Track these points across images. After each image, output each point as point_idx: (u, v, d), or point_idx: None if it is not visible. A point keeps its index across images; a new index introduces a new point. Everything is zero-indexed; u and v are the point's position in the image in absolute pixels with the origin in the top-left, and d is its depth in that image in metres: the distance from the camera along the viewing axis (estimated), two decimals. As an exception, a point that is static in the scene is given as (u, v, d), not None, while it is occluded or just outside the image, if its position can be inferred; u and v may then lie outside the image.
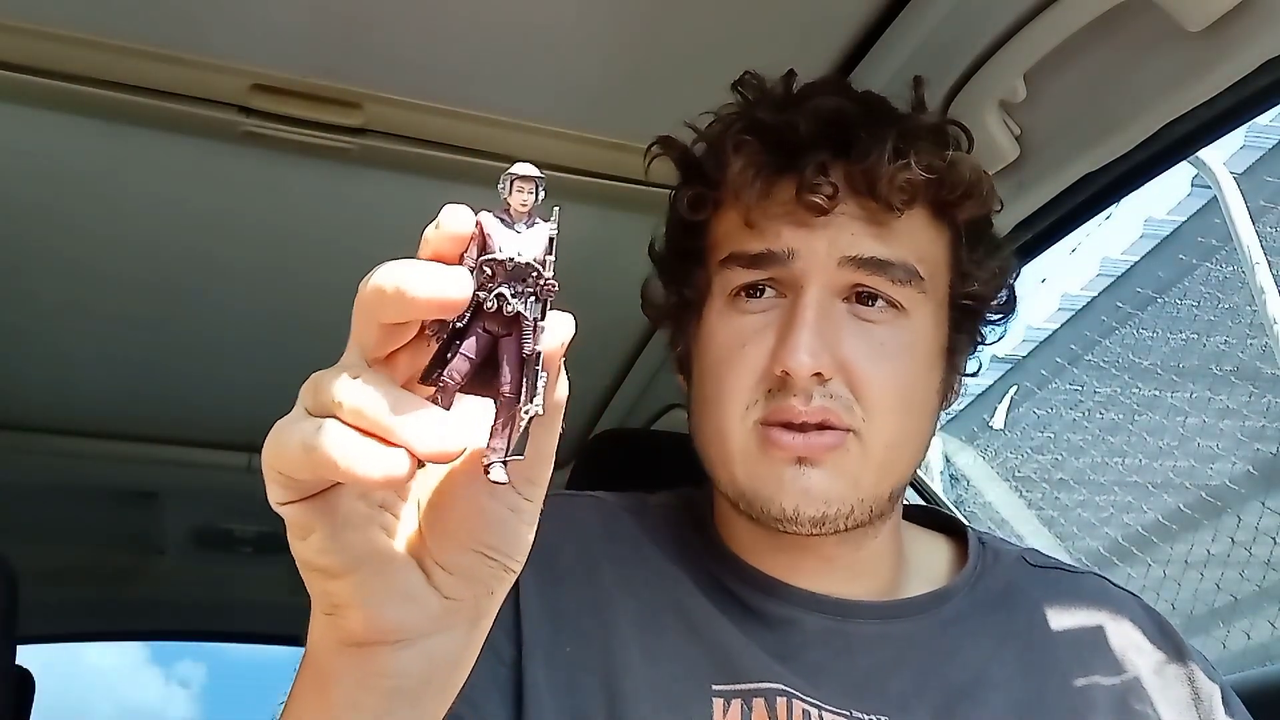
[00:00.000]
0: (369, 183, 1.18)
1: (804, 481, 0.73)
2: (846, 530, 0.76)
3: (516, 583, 0.77)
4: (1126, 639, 0.81)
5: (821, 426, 0.73)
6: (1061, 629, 0.80)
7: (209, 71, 1.04)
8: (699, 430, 0.80)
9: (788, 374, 0.72)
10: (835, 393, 0.74)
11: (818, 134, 0.77)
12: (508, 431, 0.40)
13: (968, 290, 0.81)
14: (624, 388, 1.67)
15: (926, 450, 0.82)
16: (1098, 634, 0.80)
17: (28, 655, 2.08)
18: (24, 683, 2.17)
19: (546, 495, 0.88)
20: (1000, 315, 0.85)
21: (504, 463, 0.40)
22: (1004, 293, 0.85)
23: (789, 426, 0.73)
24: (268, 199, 1.25)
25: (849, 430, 0.74)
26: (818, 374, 0.73)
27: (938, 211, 0.79)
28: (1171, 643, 0.82)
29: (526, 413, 0.39)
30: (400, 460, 0.39)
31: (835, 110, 0.79)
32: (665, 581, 0.79)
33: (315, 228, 1.26)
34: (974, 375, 0.87)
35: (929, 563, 0.85)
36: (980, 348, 0.86)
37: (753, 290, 0.77)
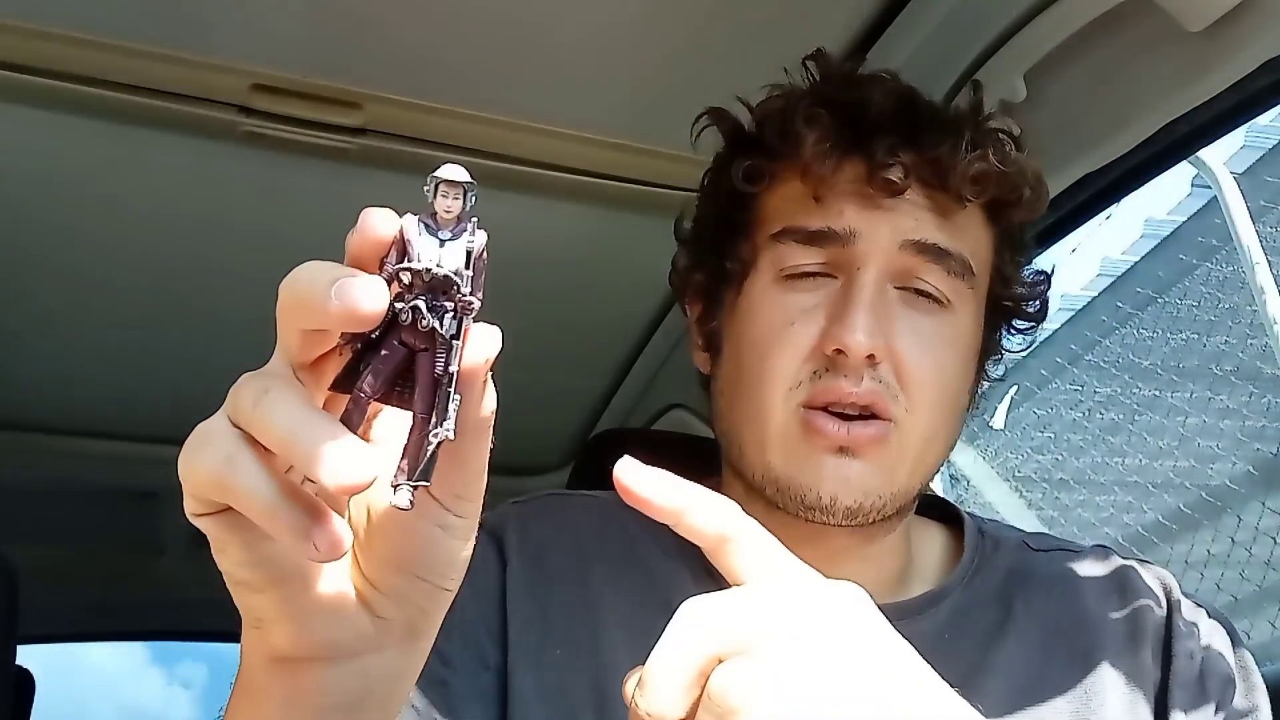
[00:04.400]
0: (369, 183, 1.18)
1: (845, 471, 0.73)
2: (873, 524, 0.76)
3: (503, 586, 0.77)
4: (1131, 610, 0.79)
5: (866, 413, 0.73)
6: (1065, 609, 0.79)
7: (209, 71, 1.04)
8: (731, 410, 0.78)
9: (841, 353, 0.72)
10: (884, 378, 0.73)
11: (889, 117, 0.76)
12: (418, 453, 0.37)
13: (1007, 293, 0.82)
14: (624, 388, 1.67)
15: (950, 451, 0.82)
16: (1102, 610, 0.79)
17: (28, 655, 2.09)
18: (24, 683, 2.17)
19: (540, 495, 0.88)
20: (1031, 324, 0.86)
21: (412, 487, 0.37)
22: (1037, 301, 0.86)
23: (833, 412, 0.73)
24: (268, 199, 1.25)
25: (890, 420, 0.73)
26: (870, 355, 0.72)
27: (991, 212, 0.79)
28: (1174, 602, 0.80)
29: (435, 436, 0.37)
30: (304, 522, 0.38)
31: (906, 97, 0.79)
32: (658, 581, 0.79)
33: (315, 228, 1.25)
34: (1000, 380, 0.87)
35: (929, 558, 0.84)
36: (1002, 355, 0.87)
37: (803, 274, 0.76)
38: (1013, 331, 0.85)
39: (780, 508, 0.75)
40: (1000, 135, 0.80)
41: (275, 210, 1.27)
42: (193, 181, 1.21)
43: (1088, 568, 0.82)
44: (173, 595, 2.39)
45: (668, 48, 1.05)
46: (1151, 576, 0.82)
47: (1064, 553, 0.85)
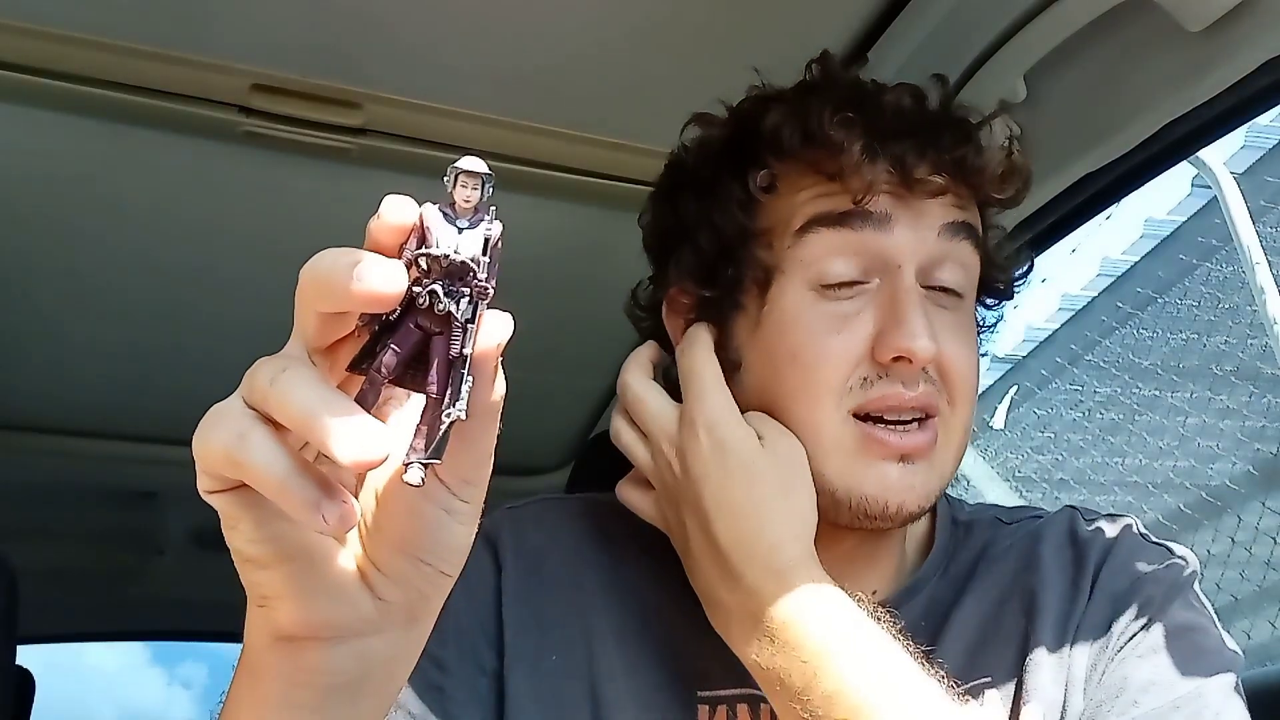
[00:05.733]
0: (369, 183, 1.18)
1: (910, 479, 0.73)
2: (916, 521, 0.76)
3: (499, 590, 0.78)
4: (1078, 556, 0.78)
5: (918, 416, 0.73)
6: (1021, 566, 0.79)
7: (209, 71, 1.04)
8: None
9: (903, 358, 0.71)
10: (932, 378, 0.74)
11: (908, 119, 0.77)
12: (431, 432, 0.39)
13: (990, 274, 0.83)
14: (624, 388, 1.67)
15: None
16: (1053, 562, 0.78)
17: (28, 655, 2.08)
18: (24, 683, 2.17)
19: (535, 499, 0.88)
20: (999, 300, 0.86)
21: (423, 465, 0.38)
22: (1009, 280, 0.86)
23: (886, 420, 0.72)
24: (268, 199, 1.25)
25: (936, 417, 0.74)
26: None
27: (983, 202, 0.80)
28: (1120, 541, 0.79)
29: (448, 416, 0.38)
30: (315, 496, 0.39)
31: (919, 98, 0.79)
32: (652, 586, 0.78)
33: (315, 228, 1.26)
34: (984, 357, 0.88)
35: (911, 550, 0.84)
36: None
37: (837, 283, 0.74)
38: (983, 307, 0.86)
39: (830, 518, 0.74)
40: (1009, 134, 0.82)
41: (275, 210, 1.27)
42: (193, 181, 1.21)
43: (1048, 528, 0.82)
44: (173, 595, 2.39)
45: (668, 48, 1.05)
46: (1111, 524, 0.80)
47: (1032, 520, 0.84)
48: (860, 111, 0.76)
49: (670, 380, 0.80)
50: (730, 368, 0.77)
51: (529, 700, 0.73)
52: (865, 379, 0.73)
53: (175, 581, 2.28)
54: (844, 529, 0.75)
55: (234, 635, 0.48)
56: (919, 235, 0.74)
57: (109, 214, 1.26)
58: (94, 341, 1.53)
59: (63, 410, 1.74)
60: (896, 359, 0.72)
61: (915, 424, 0.73)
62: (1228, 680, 0.71)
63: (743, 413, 0.76)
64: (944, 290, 0.76)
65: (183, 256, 1.34)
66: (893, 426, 0.72)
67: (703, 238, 0.80)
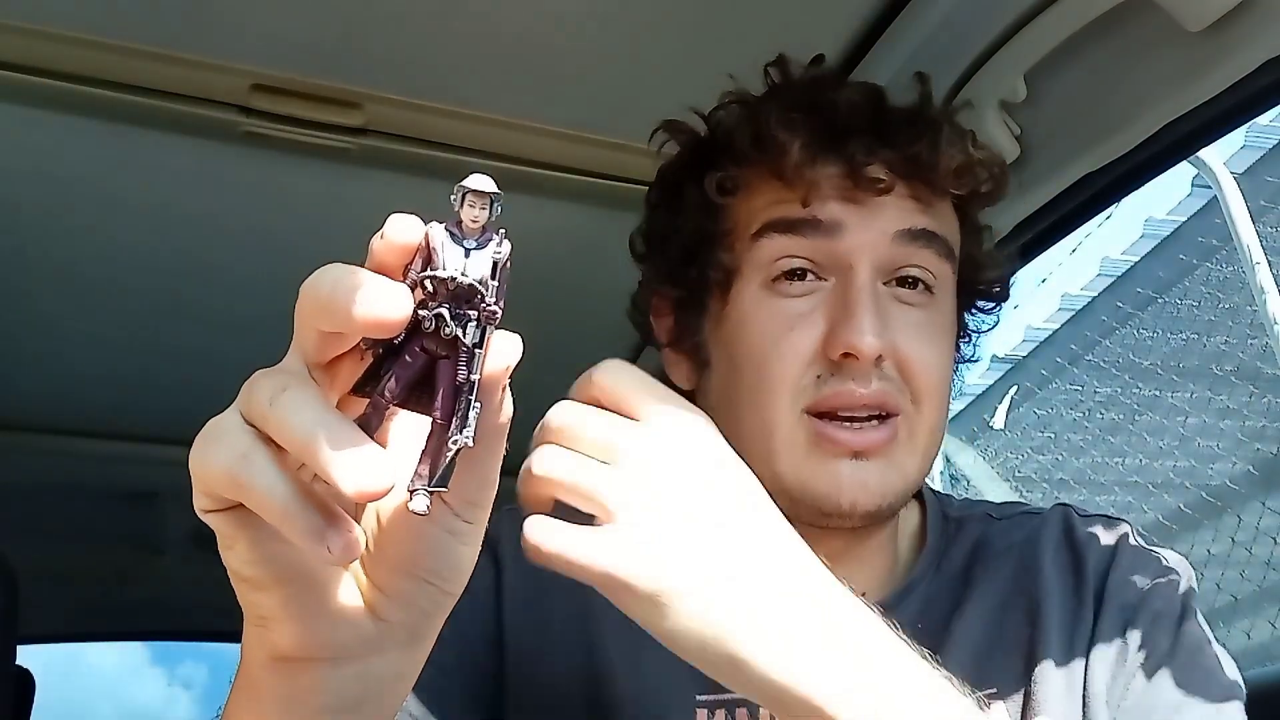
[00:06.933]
0: (369, 183, 1.18)
1: (861, 475, 0.72)
2: (886, 520, 0.76)
3: (499, 592, 0.77)
4: (1078, 562, 0.78)
5: (875, 414, 0.73)
6: (1020, 569, 0.79)
7: (209, 71, 1.04)
8: (728, 422, 0.74)
9: (850, 356, 0.71)
10: (889, 375, 0.73)
11: (861, 117, 0.76)
12: (436, 459, 0.37)
13: (979, 277, 0.83)
14: (624, 388, 1.67)
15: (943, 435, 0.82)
16: (1053, 566, 0.78)
17: (28, 655, 2.09)
18: (24, 683, 2.17)
19: None
20: (993, 303, 0.86)
21: (429, 492, 0.37)
22: (1001, 280, 0.86)
23: (840, 417, 0.72)
24: (268, 199, 1.25)
25: (898, 415, 0.73)
26: (879, 356, 0.72)
27: (958, 200, 0.80)
28: (1121, 549, 0.79)
29: (454, 443, 0.37)
30: (319, 524, 0.38)
31: (874, 96, 0.79)
32: None
33: (315, 228, 1.26)
34: (975, 361, 0.88)
35: (903, 547, 0.84)
36: (974, 337, 0.87)
37: (792, 274, 0.75)
38: (974, 311, 0.86)
39: (792, 517, 0.74)
40: (962, 128, 0.80)
41: (275, 210, 1.27)
42: (193, 181, 1.21)
43: (1044, 528, 0.81)
44: (173, 595, 2.39)
45: (668, 48, 1.05)
46: (1107, 530, 0.80)
47: (1024, 517, 0.84)
48: (810, 111, 0.76)
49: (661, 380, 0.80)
50: (700, 366, 0.79)
51: (531, 703, 0.73)
52: (819, 376, 0.73)
53: (175, 581, 2.27)
54: (827, 530, 0.74)
55: (234, 635, 0.47)
56: (872, 238, 0.74)
57: (109, 214, 1.26)
58: (94, 341, 1.53)
59: (63, 410, 1.74)
60: (845, 355, 0.72)
61: (873, 421, 0.73)
62: (1239, 705, 0.72)
63: (709, 412, 0.76)
64: (909, 287, 0.76)
65: (183, 257, 1.34)
66: (846, 423, 0.72)
67: (672, 241, 0.82)
